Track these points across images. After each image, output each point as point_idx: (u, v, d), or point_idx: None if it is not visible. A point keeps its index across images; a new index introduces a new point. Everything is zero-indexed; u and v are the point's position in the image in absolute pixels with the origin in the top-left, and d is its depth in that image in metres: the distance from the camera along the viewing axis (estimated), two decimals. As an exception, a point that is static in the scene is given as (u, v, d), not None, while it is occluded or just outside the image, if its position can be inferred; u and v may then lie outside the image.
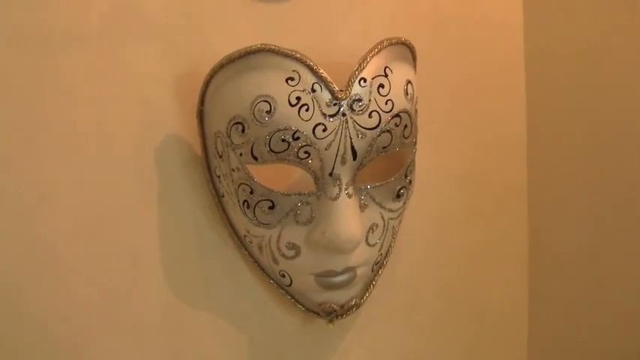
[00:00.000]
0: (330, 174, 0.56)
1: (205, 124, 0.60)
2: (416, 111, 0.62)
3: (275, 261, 0.61)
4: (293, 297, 0.65)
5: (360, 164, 0.57)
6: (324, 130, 0.54)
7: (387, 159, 0.62)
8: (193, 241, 0.64)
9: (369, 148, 0.57)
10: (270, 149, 0.55)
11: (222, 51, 0.56)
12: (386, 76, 0.57)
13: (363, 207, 0.60)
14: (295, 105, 0.54)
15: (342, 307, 0.63)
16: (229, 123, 0.56)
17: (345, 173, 0.57)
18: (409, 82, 0.59)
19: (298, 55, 0.54)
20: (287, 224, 0.58)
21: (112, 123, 0.59)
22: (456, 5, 0.79)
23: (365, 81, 0.55)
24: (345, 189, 0.57)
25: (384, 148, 0.58)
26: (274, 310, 0.68)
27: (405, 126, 0.59)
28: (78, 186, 0.58)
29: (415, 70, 0.63)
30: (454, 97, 0.79)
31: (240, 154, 0.56)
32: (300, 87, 0.54)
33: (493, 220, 0.83)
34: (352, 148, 0.56)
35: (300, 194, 0.58)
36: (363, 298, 0.65)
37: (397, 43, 0.59)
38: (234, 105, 0.56)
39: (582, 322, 0.80)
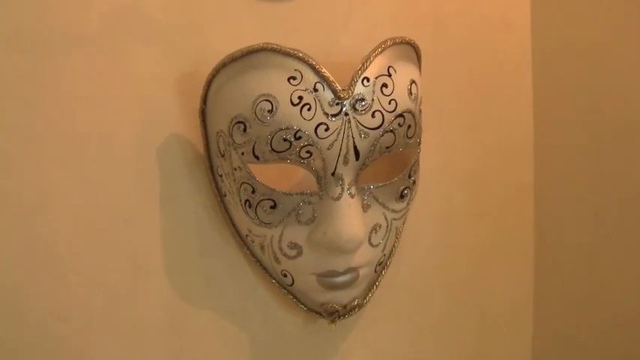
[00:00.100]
0: (333, 174, 0.56)
1: (208, 123, 0.60)
2: (420, 111, 0.61)
3: (277, 260, 0.61)
4: (295, 297, 0.65)
5: (363, 164, 0.57)
6: (327, 129, 0.54)
7: (391, 159, 0.61)
8: (195, 241, 0.64)
9: (372, 148, 0.56)
10: (272, 149, 0.54)
11: (224, 50, 0.56)
12: (389, 75, 0.56)
13: (365, 207, 0.59)
14: (297, 104, 0.53)
15: (344, 307, 0.63)
16: (231, 122, 0.56)
17: (347, 173, 0.56)
18: (413, 81, 0.58)
19: (300, 54, 0.53)
20: (289, 224, 0.58)
21: (113, 123, 0.59)
22: (461, 3, 0.78)
23: (368, 80, 0.55)
24: (348, 189, 0.57)
25: (387, 148, 0.57)
26: (276, 309, 0.68)
27: (409, 126, 0.58)
28: (79, 186, 0.58)
29: (420, 70, 0.63)
30: (459, 96, 0.79)
31: (242, 154, 0.56)
32: (302, 86, 0.53)
33: (499, 220, 0.82)
34: (355, 148, 0.55)
35: (302, 194, 0.57)
36: (365, 298, 0.65)
37: (401, 42, 0.58)
38: (236, 104, 0.55)
39: (588, 323, 0.80)
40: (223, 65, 0.56)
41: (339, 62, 0.58)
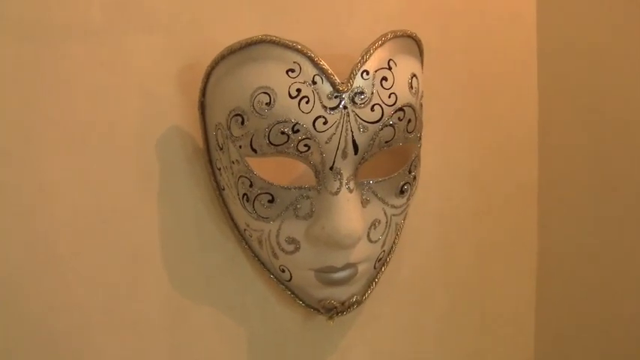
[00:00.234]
0: (331, 168, 0.55)
1: (207, 115, 0.59)
2: (421, 105, 0.61)
3: (275, 255, 0.60)
4: (293, 292, 0.64)
5: (362, 159, 0.56)
6: (325, 123, 0.53)
7: (392, 154, 0.61)
8: (194, 235, 0.63)
9: (371, 142, 0.55)
10: (270, 142, 0.54)
11: (225, 43, 0.55)
12: (390, 69, 0.55)
13: (364, 202, 0.58)
14: (295, 97, 0.53)
15: (342, 303, 0.62)
16: (229, 115, 0.55)
17: (346, 167, 0.56)
18: (414, 75, 0.58)
19: (299, 47, 0.53)
20: (287, 218, 0.58)
21: (113, 115, 0.59)
22: (467, -1, 0.77)
23: (367, 74, 0.54)
24: (346, 183, 0.56)
25: (386, 142, 0.56)
26: (275, 305, 0.67)
27: (409, 120, 0.57)
28: (78, 179, 0.58)
29: (422, 63, 0.62)
30: (464, 93, 0.78)
31: (240, 147, 0.56)
32: (300, 79, 0.53)
33: (501, 219, 0.82)
34: (353, 142, 0.55)
35: (300, 188, 0.57)
36: (364, 295, 0.64)
37: (402, 35, 0.57)
38: (234, 96, 0.55)
39: (590, 323, 0.79)
40: (222, 57, 0.55)
41: (342, 55, 0.58)
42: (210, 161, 0.61)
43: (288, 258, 0.60)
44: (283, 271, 0.62)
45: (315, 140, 0.54)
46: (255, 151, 0.55)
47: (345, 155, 0.55)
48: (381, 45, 0.55)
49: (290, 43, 0.53)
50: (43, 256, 0.56)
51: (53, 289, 0.57)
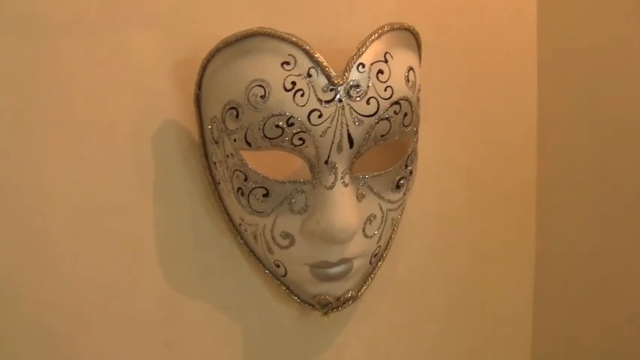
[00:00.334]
0: (326, 162, 0.55)
1: (202, 109, 0.59)
2: (418, 99, 0.60)
3: (270, 250, 0.60)
4: (288, 288, 0.64)
5: (358, 152, 0.56)
6: (320, 116, 0.53)
7: (388, 148, 0.60)
8: (190, 230, 0.63)
9: (367, 136, 0.55)
10: (264, 135, 0.54)
11: (222, 37, 0.55)
12: (386, 62, 0.55)
13: (360, 197, 0.58)
14: (290, 90, 0.52)
15: (337, 299, 0.62)
16: (224, 108, 0.55)
17: (341, 161, 0.55)
18: (411, 68, 0.57)
19: (294, 39, 0.52)
20: (281, 213, 0.57)
21: (110, 110, 0.59)
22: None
23: (363, 66, 0.54)
24: (341, 178, 0.56)
25: (382, 136, 0.56)
26: (270, 301, 0.67)
27: (405, 114, 0.57)
28: (75, 174, 0.57)
29: (420, 57, 0.62)
30: (463, 90, 0.78)
31: (234, 140, 0.55)
32: (295, 71, 0.52)
33: (500, 217, 0.81)
34: (349, 135, 0.54)
35: (294, 182, 0.56)
36: (360, 291, 0.64)
37: (399, 28, 0.57)
38: (229, 89, 0.55)
39: (588, 322, 0.79)
40: (218, 50, 0.55)
41: (341, 49, 0.57)
42: (206, 155, 0.61)
43: (283, 253, 0.59)
44: (278, 266, 0.61)
45: (309, 134, 0.53)
46: (249, 144, 0.55)
47: (340, 149, 0.55)
48: (377, 38, 0.55)
49: (285, 36, 0.53)
50: (39, 253, 0.56)
51: (49, 286, 0.57)
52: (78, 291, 0.58)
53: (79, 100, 0.57)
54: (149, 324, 0.61)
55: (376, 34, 0.55)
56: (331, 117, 0.53)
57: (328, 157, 0.55)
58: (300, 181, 0.56)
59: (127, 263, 0.60)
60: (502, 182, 0.81)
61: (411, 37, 0.59)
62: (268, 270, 0.63)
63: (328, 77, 0.53)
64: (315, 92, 0.53)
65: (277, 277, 0.64)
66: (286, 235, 0.58)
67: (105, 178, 0.59)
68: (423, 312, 0.77)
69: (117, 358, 0.60)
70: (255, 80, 0.53)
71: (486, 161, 0.80)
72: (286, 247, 0.59)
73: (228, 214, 0.62)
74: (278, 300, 0.67)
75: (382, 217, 0.61)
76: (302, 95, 0.52)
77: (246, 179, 0.57)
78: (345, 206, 0.55)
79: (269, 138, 0.54)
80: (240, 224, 0.61)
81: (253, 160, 0.57)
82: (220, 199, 0.62)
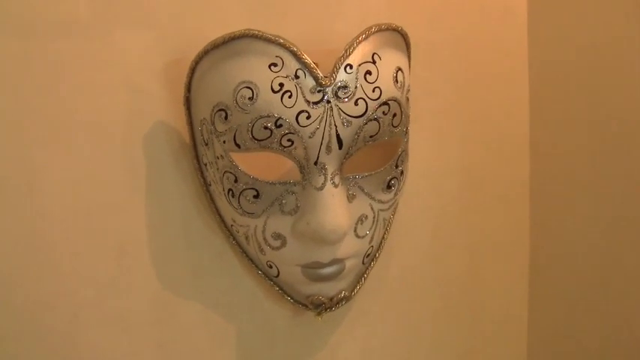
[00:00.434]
0: (315, 163, 0.55)
1: (192, 111, 0.59)
2: (407, 99, 0.60)
3: (262, 251, 0.60)
4: (281, 288, 0.64)
5: (347, 153, 0.56)
6: (308, 117, 0.53)
7: (379, 148, 0.60)
8: (182, 231, 0.63)
9: (356, 137, 0.55)
10: (253, 137, 0.54)
11: (212, 37, 0.55)
12: (374, 62, 0.55)
13: (350, 197, 0.58)
14: (278, 91, 0.52)
15: (330, 299, 0.62)
16: (213, 110, 0.55)
17: (330, 162, 0.55)
18: (399, 69, 0.57)
19: (281, 41, 0.53)
20: (272, 214, 0.57)
21: (100, 110, 0.59)
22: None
23: (351, 67, 0.54)
24: (331, 178, 0.56)
25: (371, 137, 0.56)
26: (263, 301, 0.67)
27: (394, 114, 0.57)
28: (65, 174, 0.57)
29: (409, 57, 0.62)
30: (455, 89, 0.78)
31: (224, 142, 0.55)
32: (283, 73, 0.53)
33: (493, 216, 0.81)
34: (337, 136, 0.54)
35: (285, 183, 0.56)
36: (353, 291, 0.64)
37: (387, 29, 0.57)
38: (217, 92, 0.55)
39: (583, 322, 0.79)
40: (206, 52, 0.55)
41: (332, 50, 0.57)
42: (197, 157, 0.61)
43: (275, 254, 0.60)
44: (270, 266, 0.61)
45: (298, 135, 0.53)
46: (238, 146, 0.55)
47: (329, 150, 0.55)
48: (365, 39, 0.55)
49: (272, 38, 0.53)
50: (31, 253, 0.56)
51: (41, 286, 0.57)
52: (71, 291, 0.58)
53: (70, 100, 0.57)
54: (142, 324, 0.61)
55: (364, 35, 0.55)
56: (319, 118, 0.53)
57: (317, 158, 0.55)
58: (290, 182, 0.56)
59: (119, 264, 0.60)
60: (495, 182, 0.81)
61: (400, 38, 0.59)
62: (261, 271, 0.64)
63: (316, 79, 0.53)
64: (302, 94, 0.53)
65: (270, 278, 0.64)
66: (278, 236, 0.58)
67: (97, 179, 0.59)
68: (416, 312, 0.77)
69: (110, 358, 0.60)
70: (242, 82, 0.53)
71: (479, 161, 0.79)
72: (278, 248, 0.59)
73: (220, 215, 0.62)
74: (271, 300, 0.67)
75: (374, 217, 0.61)
76: (290, 97, 0.52)
77: (236, 180, 0.57)
78: (335, 207, 0.55)
79: (257, 139, 0.54)
80: (232, 225, 0.61)
81: (244, 161, 0.57)
82: (212, 200, 0.62)
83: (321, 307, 0.62)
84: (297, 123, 0.53)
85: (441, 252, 0.78)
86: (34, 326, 0.57)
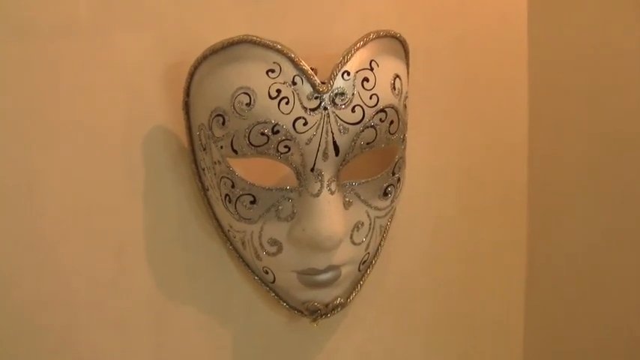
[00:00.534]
0: (312, 169, 0.55)
1: (191, 116, 0.59)
2: (405, 106, 0.60)
3: (258, 257, 0.60)
4: (277, 294, 0.64)
5: (344, 160, 0.56)
6: (305, 124, 0.53)
7: (376, 155, 0.60)
8: (179, 235, 0.63)
9: (352, 144, 0.55)
10: (250, 142, 0.54)
11: (212, 41, 0.55)
12: (371, 69, 0.55)
13: (347, 204, 0.58)
14: (275, 98, 0.52)
15: (326, 306, 0.62)
16: (211, 115, 0.55)
17: (327, 169, 0.55)
18: (397, 76, 0.57)
19: (279, 47, 0.53)
20: (268, 220, 0.57)
21: (99, 113, 0.59)
22: (458, -1, 0.77)
23: (348, 74, 0.54)
24: (328, 185, 0.56)
25: (368, 144, 0.56)
26: (260, 307, 0.67)
27: (391, 122, 0.57)
28: (64, 175, 0.57)
29: (408, 64, 0.62)
30: (454, 93, 0.77)
31: (221, 147, 0.55)
32: (280, 79, 0.53)
33: (491, 221, 0.81)
34: (334, 143, 0.54)
35: (281, 189, 0.56)
36: (349, 297, 0.64)
37: (386, 36, 0.57)
38: (215, 97, 0.55)
39: (580, 328, 0.79)
40: (204, 57, 0.55)
41: (331, 54, 0.57)
42: (195, 161, 0.61)
43: (271, 259, 0.59)
44: (267, 272, 0.61)
45: (295, 141, 0.53)
46: (235, 151, 0.55)
47: (325, 157, 0.55)
48: (363, 45, 0.55)
49: (270, 43, 0.53)
50: (29, 254, 0.56)
51: (39, 286, 0.57)
52: (66, 293, 0.58)
53: (69, 102, 0.57)
54: (138, 327, 0.61)
55: (361, 42, 0.55)
56: (316, 125, 0.53)
57: (314, 165, 0.55)
58: (286, 189, 0.56)
59: (117, 266, 0.60)
60: (493, 187, 0.81)
61: (398, 45, 0.59)
62: (257, 276, 0.63)
63: (313, 85, 0.53)
64: (300, 100, 0.53)
65: (266, 284, 0.64)
66: (274, 242, 0.58)
67: (95, 181, 0.59)
68: (413, 319, 0.76)
69: (108, 359, 0.60)
70: (240, 88, 0.53)
71: (478, 166, 0.79)
72: (274, 254, 0.59)
73: (217, 220, 0.62)
74: (267, 306, 0.67)
75: (370, 224, 0.61)
76: (287, 103, 0.52)
77: (233, 186, 0.57)
78: (331, 214, 0.55)
79: (254, 145, 0.54)
80: (228, 230, 0.61)
81: (241, 167, 0.57)
82: (209, 205, 0.62)
83: (317, 313, 0.62)
84: (294, 129, 0.53)
85: (438, 258, 0.78)
86: (33, 327, 0.57)
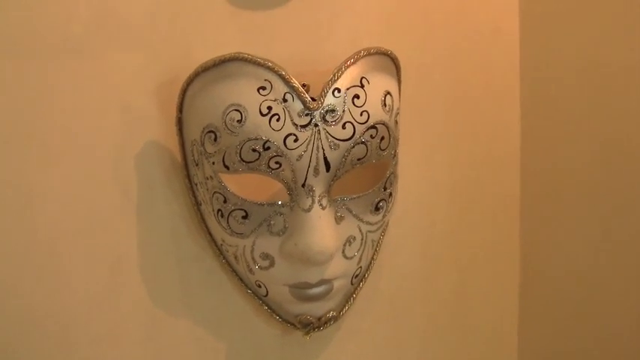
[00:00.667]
0: (303, 185, 0.56)
1: (184, 132, 0.60)
2: (396, 122, 0.61)
3: (250, 271, 0.61)
4: (270, 308, 0.64)
5: (335, 176, 0.56)
6: (296, 140, 0.53)
7: (368, 170, 0.61)
8: (172, 249, 0.63)
9: (343, 160, 0.56)
10: (241, 159, 0.54)
11: (204, 59, 0.56)
12: (362, 86, 0.56)
13: (338, 219, 0.59)
14: (266, 115, 0.53)
15: (319, 319, 0.62)
16: (203, 131, 0.56)
17: (318, 184, 0.56)
18: (388, 93, 0.58)
19: (270, 64, 0.53)
20: (261, 234, 0.58)
21: (93, 129, 0.59)
22: (448, 13, 0.77)
23: (339, 91, 0.54)
24: (319, 200, 0.56)
25: (358, 160, 0.57)
26: (253, 320, 0.67)
27: (382, 138, 0.57)
28: (58, 192, 0.58)
29: (399, 81, 0.62)
30: (446, 107, 0.78)
31: (213, 163, 0.56)
32: (271, 96, 0.53)
33: (483, 234, 0.81)
34: (325, 159, 0.55)
35: (273, 204, 0.57)
36: (342, 310, 0.64)
37: (376, 53, 0.58)
38: (207, 113, 0.55)
39: (573, 335, 0.79)
40: (196, 75, 0.56)
41: (323, 70, 0.58)
42: (188, 176, 0.62)
43: (264, 273, 0.60)
44: (259, 286, 0.62)
45: (286, 157, 0.54)
46: (227, 167, 0.55)
47: (316, 172, 0.55)
48: (353, 63, 0.56)
49: (261, 61, 0.53)
50: (24, 268, 0.57)
51: (33, 300, 0.57)
52: (60, 306, 0.58)
53: (63, 119, 0.58)
54: (132, 341, 0.62)
55: (352, 59, 0.55)
56: (307, 141, 0.54)
57: (305, 181, 0.55)
58: (278, 204, 0.57)
59: (109, 280, 0.60)
60: (485, 201, 0.81)
61: (389, 62, 0.60)
62: (250, 290, 0.64)
63: (304, 102, 0.53)
64: (290, 117, 0.53)
65: (259, 297, 0.64)
66: (266, 256, 0.59)
67: (89, 196, 0.59)
68: (406, 331, 0.77)
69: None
70: (232, 105, 0.54)
71: (470, 180, 0.80)
72: (266, 268, 0.59)
73: (210, 234, 0.63)
74: (260, 319, 0.67)
75: (362, 238, 0.61)
76: (278, 120, 0.53)
77: (225, 201, 0.57)
78: (322, 229, 0.56)
79: (246, 162, 0.54)
80: (221, 245, 0.62)
81: (233, 182, 0.58)
82: (202, 219, 0.63)
83: (310, 326, 0.63)
84: (285, 146, 0.54)
85: (430, 272, 0.78)
86: (27, 340, 0.57)
